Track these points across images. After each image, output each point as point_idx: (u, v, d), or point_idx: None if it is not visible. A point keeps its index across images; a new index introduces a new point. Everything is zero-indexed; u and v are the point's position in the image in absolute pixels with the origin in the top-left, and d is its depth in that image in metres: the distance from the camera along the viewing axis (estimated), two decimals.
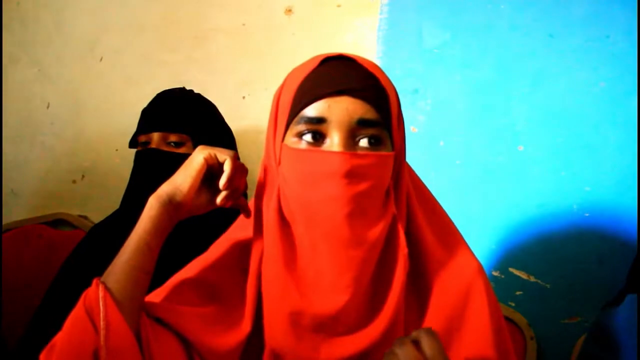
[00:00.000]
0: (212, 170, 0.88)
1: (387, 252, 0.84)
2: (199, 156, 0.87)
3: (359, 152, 0.81)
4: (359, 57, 0.87)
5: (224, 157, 0.87)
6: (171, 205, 0.85)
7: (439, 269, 0.89)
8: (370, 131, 0.82)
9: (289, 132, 0.84)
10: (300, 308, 0.80)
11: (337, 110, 0.80)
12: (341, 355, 0.80)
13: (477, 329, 0.84)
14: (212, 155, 0.87)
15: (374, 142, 0.82)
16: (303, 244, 0.83)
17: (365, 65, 0.86)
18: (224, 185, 0.86)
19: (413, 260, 0.89)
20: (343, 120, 0.80)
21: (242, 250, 0.94)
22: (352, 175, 0.79)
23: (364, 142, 0.82)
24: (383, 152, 0.83)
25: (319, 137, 0.82)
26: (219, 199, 0.88)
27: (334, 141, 0.80)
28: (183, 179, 0.86)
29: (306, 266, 0.82)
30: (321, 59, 0.86)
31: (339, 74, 0.83)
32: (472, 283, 0.87)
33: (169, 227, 0.86)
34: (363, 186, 0.80)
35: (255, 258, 0.89)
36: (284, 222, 0.85)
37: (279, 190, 0.86)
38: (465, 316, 0.86)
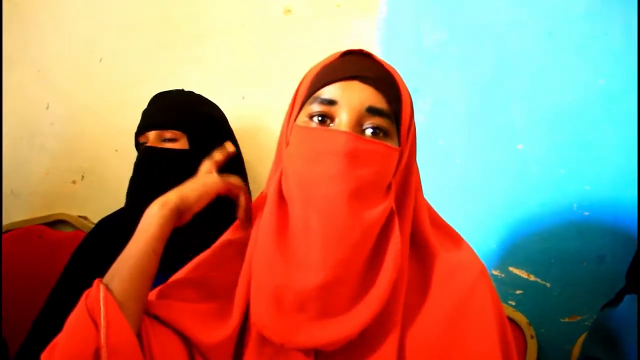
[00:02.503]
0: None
1: (380, 246, 0.84)
2: (214, 186, 0.89)
3: (363, 137, 0.83)
4: (378, 57, 0.91)
5: (238, 192, 0.92)
6: (178, 214, 0.86)
7: (444, 262, 0.89)
8: (378, 120, 0.83)
9: (301, 114, 0.87)
10: (284, 283, 0.80)
11: (348, 94, 0.83)
12: (320, 341, 0.80)
13: (481, 332, 0.84)
14: (227, 188, 0.91)
15: (380, 133, 0.84)
16: (296, 221, 0.83)
17: (382, 63, 0.90)
18: (242, 217, 0.92)
19: (420, 257, 0.90)
20: (353, 104, 0.83)
21: (239, 248, 0.94)
22: (354, 157, 0.80)
23: (370, 132, 0.83)
24: (388, 144, 0.84)
25: (328, 120, 0.84)
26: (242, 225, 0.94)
27: (342, 122, 0.83)
28: (195, 200, 0.87)
29: (297, 244, 0.82)
30: (342, 52, 0.90)
31: (354, 63, 0.87)
32: (476, 282, 0.87)
33: (170, 232, 0.87)
34: (363, 171, 0.81)
35: (252, 249, 0.90)
36: (282, 201, 0.87)
37: (281, 170, 0.88)
38: (468, 319, 0.85)
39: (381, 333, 0.84)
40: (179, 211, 0.86)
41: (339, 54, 0.90)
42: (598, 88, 1.41)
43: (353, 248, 0.81)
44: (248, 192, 0.94)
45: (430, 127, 1.54)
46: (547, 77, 1.45)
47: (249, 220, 0.93)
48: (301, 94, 0.89)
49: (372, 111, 0.83)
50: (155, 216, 0.84)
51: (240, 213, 0.91)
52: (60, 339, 0.76)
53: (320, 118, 0.84)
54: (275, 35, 1.79)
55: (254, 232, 0.91)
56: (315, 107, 0.85)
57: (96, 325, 0.74)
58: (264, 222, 0.87)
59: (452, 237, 0.95)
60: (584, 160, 1.42)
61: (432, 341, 0.84)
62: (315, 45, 1.70)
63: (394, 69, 0.90)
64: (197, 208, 0.87)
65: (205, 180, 0.90)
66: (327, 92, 0.84)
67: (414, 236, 0.90)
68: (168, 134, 1.38)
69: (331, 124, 0.84)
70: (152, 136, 1.38)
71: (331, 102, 0.84)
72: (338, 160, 0.80)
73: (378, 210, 0.82)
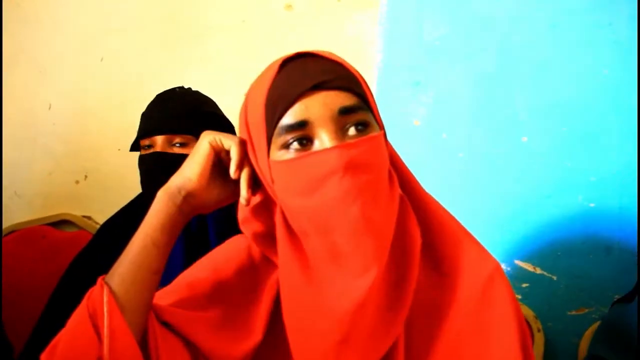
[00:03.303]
0: (222, 163, 0.85)
1: (402, 239, 0.81)
2: (204, 142, 0.83)
3: (351, 141, 0.76)
4: (315, 50, 0.83)
5: (229, 143, 0.83)
6: (180, 196, 0.82)
7: (456, 251, 0.86)
8: (355, 117, 0.77)
9: (272, 147, 0.78)
10: (334, 331, 0.76)
11: (315, 108, 0.76)
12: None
13: (504, 334, 0.82)
14: (217, 139, 0.83)
15: (362, 127, 0.78)
16: (319, 253, 0.78)
17: (326, 55, 0.82)
18: (235, 174, 0.82)
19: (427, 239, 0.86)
20: (325, 115, 0.75)
21: (256, 252, 0.92)
22: (353, 166, 0.74)
23: (352, 131, 0.77)
24: (374, 134, 0.79)
25: (306, 142, 0.77)
26: (242, 192, 0.83)
27: (323, 140, 0.76)
28: (191, 167, 0.83)
29: (324, 274, 0.78)
30: (279, 64, 0.80)
31: (304, 72, 0.79)
32: (491, 280, 0.84)
33: (180, 222, 0.83)
34: (367, 175, 0.75)
35: (277, 270, 0.87)
36: (293, 236, 0.81)
37: (281, 209, 0.82)
38: (488, 316, 0.83)
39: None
40: (182, 190, 0.82)
41: (276, 68, 0.80)
42: (602, 79, 1.40)
43: (385, 256, 0.78)
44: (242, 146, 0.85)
45: (433, 121, 1.53)
46: (551, 68, 1.44)
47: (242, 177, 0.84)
48: (258, 127, 0.80)
49: (345, 112, 0.76)
50: (154, 204, 0.82)
51: (232, 168, 0.82)
52: (60, 341, 0.74)
53: (297, 143, 0.76)
54: (276, 31, 1.78)
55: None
56: (288, 136, 0.76)
57: (98, 332, 0.73)
58: (285, 264, 0.82)
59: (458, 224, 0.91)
60: (589, 151, 1.41)
61: (449, 345, 0.83)
62: (316, 41, 1.69)
63: (338, 57, 0.82)
64: (202, 178, 0.82)
65: (197, 145, 0.84)
66: (291, 115, 0.76)
67: (418, 210, 0.86)
68: (178, 139, 1.35)
69: (312, 145, 0.77)
70: (160, 141, 1.35)
71: (302, 125, 0.75)
72: (339, 178, 0.74)
73: (393, 205, 0.79)
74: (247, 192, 0.82)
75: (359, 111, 0.78)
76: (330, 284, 0.77)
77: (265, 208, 0.87)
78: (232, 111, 1.57)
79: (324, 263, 0.78)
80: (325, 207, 0.75)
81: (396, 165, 0.85)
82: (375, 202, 0.76)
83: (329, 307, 0.76)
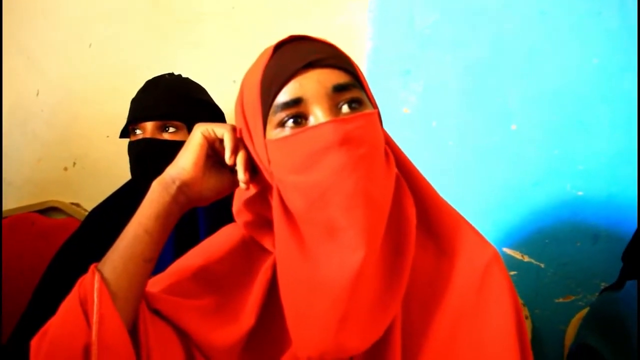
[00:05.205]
0: (217, 154, 0.85)
1: (397, 217, 0.82)
2: (196, 132, 0.84)
3: (346, 116, 0.77)
4: (310, 35, 0.84)
5: (222, 131, 0.84)
6: (175, 186, 0.82)
7: (455, 234, 0.87)
8: (348, 95, 0.78)
9: (268, 127, 0.80)
10: (336, 310, 0.76)
11: (309, 85, 0.77)
12: (373, 337, 0.79)
13: (501, 320, 0.82)
14: (210, 129, 0.84)
15: (355, 105, 0.79)
16: (316, 231, 0.78)
17: (318, 38, 0.84)
18: (230, 159, 0.83)
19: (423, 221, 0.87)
20: (319, 92, 0.77)
21: (249, 240, 0.92)
22: (348, 141, 0.75)
23: (345, 108, 0.78)
24: (368, 111, 0.80)
25: (301, 120, 0.78)
26: (239, 175, 0.83)
27: (318, 115, 0.77)
28: (185, 157, 0.83)
29: (323, 253, 0.78)
30: (273, 47, 0.83)
31: (298, 52, 0.80)
32: (489, 270, 0.84)
33: (174, 212, 0.83)
34: (362, 150, 0.76)
35: (270, 257, 0.88)
36: (290, 218, 0.81)
37: (277, 189, 0.82)
38: (486, 302, 0.83)
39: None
40: (176, 181, 0.81)
41: (270, 51, 0.82)
42: (592, 67, 1.40)
43: (382, 230, 0.78)
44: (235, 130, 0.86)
45: (423, 109, 1.53)
46: (541, 57, 1.44)
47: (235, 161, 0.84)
48: (254, 109, 0.81)
49: (338, 89, 0.78)
50: (149, 194, 0.82)
51: (226, 155, 0.83)
52: (50, 326, 0.75)
53: (292, 120, 0.78)
54: (266, 18, 1.77)
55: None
56: (283, 114, 0.77)
57: (88, 318, 0.73)
58: (282, 244, 0.82)
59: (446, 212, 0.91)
60: (577, 140, 1.42)
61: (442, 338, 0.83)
62: (306, 27, 1.67)
63: (330, 42, 0.84)
64: (196, 167, 0.82)
65: (190, 136, 0.85)
66: (286, 93, 0.77)
67: (416, 192, 0.86)
68: (167, 125, 1.35)
69: (307, 122, 0.78)
70: (150, 127, 1.34)
71: (296, 102, 0.77)
72: (335, 152, 0.74)
73: (390, 181, 0.80)
74: (245, 175, 0.82)
75: (352, 89, 0.79)
76: (327, 260, 0.77)
77: (260, 200, 0.87)
78: (222, 97, 1.57)
79: (320, 239, 0.78)
80: (321, 182, 0.76)
81: (393, 148, 0.86)
82: (371, 176, 0.76)
83: (326, 285, 0.76)
